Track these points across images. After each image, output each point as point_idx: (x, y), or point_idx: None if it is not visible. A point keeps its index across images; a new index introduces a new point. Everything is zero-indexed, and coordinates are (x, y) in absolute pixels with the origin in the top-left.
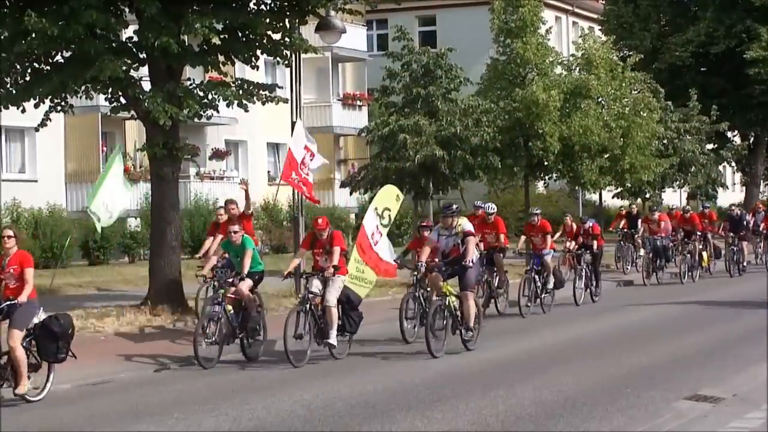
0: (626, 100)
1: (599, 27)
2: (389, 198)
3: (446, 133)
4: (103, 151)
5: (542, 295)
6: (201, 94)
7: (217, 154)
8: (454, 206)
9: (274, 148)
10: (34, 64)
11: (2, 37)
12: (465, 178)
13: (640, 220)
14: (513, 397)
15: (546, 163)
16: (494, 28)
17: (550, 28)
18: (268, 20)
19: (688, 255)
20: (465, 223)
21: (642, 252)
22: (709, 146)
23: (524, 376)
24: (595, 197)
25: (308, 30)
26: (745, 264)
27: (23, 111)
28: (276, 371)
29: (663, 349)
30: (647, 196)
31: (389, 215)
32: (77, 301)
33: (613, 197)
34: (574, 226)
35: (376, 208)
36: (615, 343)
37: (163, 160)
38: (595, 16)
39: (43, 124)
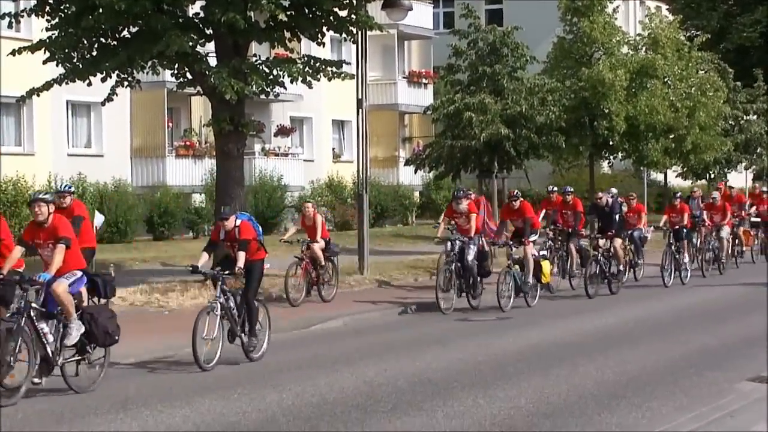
0: (692, 80)
1: (666, 6)
2: None
3: (512, 112)
4: (168, 127)
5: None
6: (267, 70)
7: (282, 131)
8: None
9: (339, 125)
10: (101, 38)
11: (70, 12)
12: (530, 157)
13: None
14: (576, 377)
15: (611, 143)
16: (561, 7)
17: (617, 7)
18: None
19: (516, 267)
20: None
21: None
22: None
23: (587, 356)
24: (660, 177)
25: (375, 7)
26: (622, 278)
27: (89, 85)
28: (339, 349)
29: (728, 330)
30: (712, 176)
31: None
32: (142, 275)
33: (676, 177)
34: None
35: None
36: (679, 324)
37: (229, 136)
38: None
39: (109, 98)
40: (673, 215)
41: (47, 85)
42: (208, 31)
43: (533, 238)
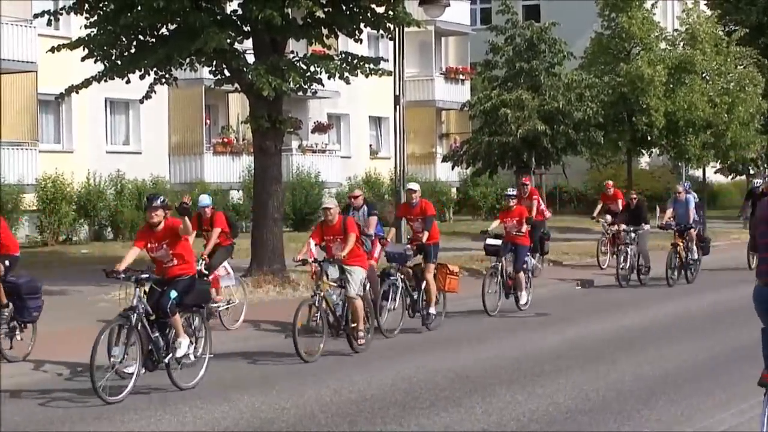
0: (731, 75)
1: (705, 1)
2: None
3: (549, 108)
4: (206, 124)
5: None
6: (304, 66)
7: (320, 128)
8: None
9: (377, 121)
10: (140, 36)
11: (109, 10)
12: (567, 153)
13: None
14: (614, 373)
15: (650, 138)
16: (599, 2)
17: (655, 2)
18: None
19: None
20: None
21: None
22: None
23: (625, 353)
24: (698, 173)
25: (412, 3)
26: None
27: (128, 82)
28: (375, 347)
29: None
30: (751, 172)
31: None
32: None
33: (715, 173)
34: None
35: None
36: (718, 321)
37: (266, 133)
38: None
39: (147, 96)
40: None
41: (86, 83)
42: (246, 28)
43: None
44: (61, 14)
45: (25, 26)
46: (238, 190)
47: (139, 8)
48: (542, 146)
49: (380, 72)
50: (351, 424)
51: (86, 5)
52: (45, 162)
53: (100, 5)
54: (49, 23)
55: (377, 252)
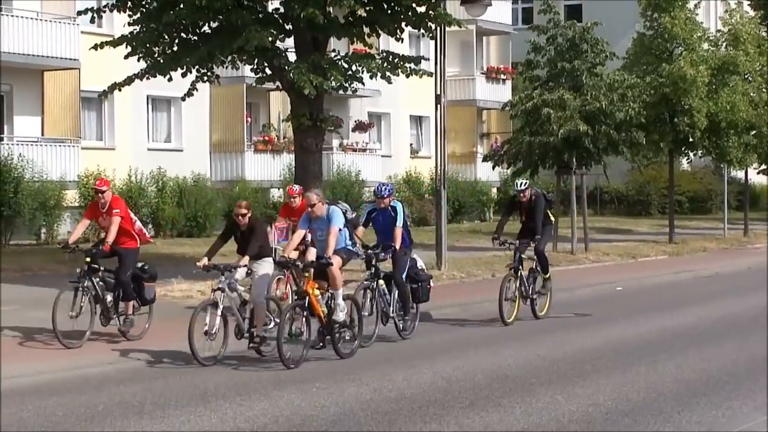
0: None
1: (748, 2)
2: None
3: (591, 108)
4: (247, 122)
5: None
6: (345, 65)
7: (360, 126)
8: None
9: (417, 120)
10: (182, 34)
11: (151, 7)
12: (609, 153)
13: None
14: (654, 374)
15: (691, 140)
16: (642, 2)
17: (698, 2)
18: None
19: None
20: None
21: None
22: None
23: (666, 354)
24: (740, 175)
25: (454, 3)
26: None
27: (170, 80)
28: (416, 345)
29: None
30: None
31: None
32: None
33: (758, 174)
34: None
35: None
36: (759, 323)
37: (307, 131)
38: None
39: (189, 93)
40: None
41: (128, 80)
42: (288, 27)
43: None
44: (104, 12)
45: (69, 24)
46: (278, 188)
47: (182, 6)
48: (583, 146)
49: (420, 73)
50: (390, 422)
51: (129, 3)
52: (87, 159)
53: (143, 3)
54: (92, 21)
55: None
